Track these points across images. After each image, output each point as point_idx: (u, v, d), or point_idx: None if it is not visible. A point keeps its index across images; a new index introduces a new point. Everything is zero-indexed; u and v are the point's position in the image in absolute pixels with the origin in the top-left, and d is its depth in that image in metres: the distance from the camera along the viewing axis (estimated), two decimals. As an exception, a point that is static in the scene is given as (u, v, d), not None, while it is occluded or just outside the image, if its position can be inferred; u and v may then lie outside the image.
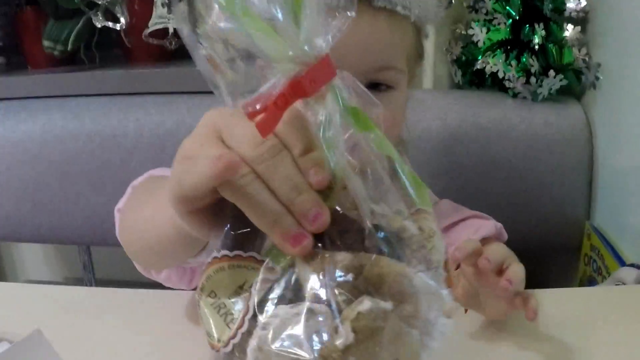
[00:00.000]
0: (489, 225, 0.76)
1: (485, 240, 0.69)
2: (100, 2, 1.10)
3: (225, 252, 0.31)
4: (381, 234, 0.30)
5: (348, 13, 0.30)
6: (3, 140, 1.13)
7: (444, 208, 0.83)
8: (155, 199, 0.48)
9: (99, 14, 1.11)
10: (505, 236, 0.77)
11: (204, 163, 0.30)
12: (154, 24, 1.06)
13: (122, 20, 1.10)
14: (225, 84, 0.31)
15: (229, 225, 0.32)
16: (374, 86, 0.59)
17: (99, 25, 1.11)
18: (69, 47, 1.16)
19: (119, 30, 1.12)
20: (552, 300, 0.64)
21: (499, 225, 0.77)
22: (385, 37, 0.58)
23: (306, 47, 0.29)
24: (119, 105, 1.11)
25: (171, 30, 1.06)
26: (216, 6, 0.29)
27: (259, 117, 0.29)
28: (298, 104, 0.31)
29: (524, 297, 0.55)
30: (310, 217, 0.30)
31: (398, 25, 0.59)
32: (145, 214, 0.51)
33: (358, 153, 0.31)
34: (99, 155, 1.09)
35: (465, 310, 0.60)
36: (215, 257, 0.31)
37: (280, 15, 0.28)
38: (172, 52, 1.07)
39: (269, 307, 0.29)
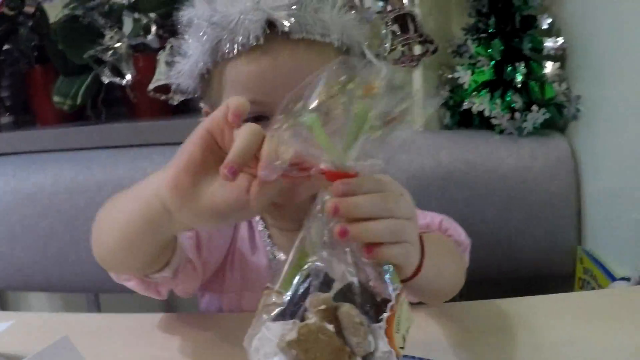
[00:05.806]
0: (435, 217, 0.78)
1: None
2: (107, 59, 1.17)
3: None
4: None
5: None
6: (15, 193, 1.17)
7: None
8: (125, 197, 0.56)
9: (106, 70, 1.17)
10: (459, 234, 0.78)
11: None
12: (156, 80, 1.12)
13: (128, 76, 1.16)
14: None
15: None
16: None
17: (106, 81, 1.17)
18: (78, 101, 1.22)
19: (124, 88, 1.18)
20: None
21: (442, 218, 0.79)
22: (308, 66, 0.61)
23: (348, 163, 0.45)
24: (126, 157, 1.16)
25: (174, 87, 1.11)
26: None
27: (293, 171, 0.45)
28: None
29: None
30: None
31: (319, 52, 0.63)
32: (115, 211, 0.58)
33: None
34: (108, 205, 1.13)
35: None
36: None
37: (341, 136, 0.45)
38: (175, 106, 1.12)
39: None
